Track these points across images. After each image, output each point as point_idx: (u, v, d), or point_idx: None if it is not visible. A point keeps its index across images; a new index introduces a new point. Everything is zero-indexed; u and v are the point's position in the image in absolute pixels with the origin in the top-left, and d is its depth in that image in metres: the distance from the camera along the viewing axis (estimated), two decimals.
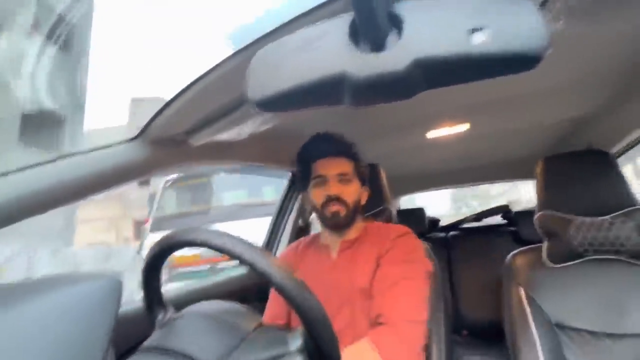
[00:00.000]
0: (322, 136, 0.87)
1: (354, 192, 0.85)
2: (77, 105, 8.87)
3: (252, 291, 1.14)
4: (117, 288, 0.30)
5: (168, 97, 0.63)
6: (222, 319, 0.44)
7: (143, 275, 0.47)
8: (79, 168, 0.63)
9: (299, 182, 0.93)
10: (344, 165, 0.85)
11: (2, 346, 0.24)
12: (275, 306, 0.90)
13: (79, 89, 9.00)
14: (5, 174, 0.55)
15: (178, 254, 0.51)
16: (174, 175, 3.88)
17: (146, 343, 0.40)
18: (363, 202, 0.91)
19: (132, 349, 0.39)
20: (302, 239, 1.02)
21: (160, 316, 0.45)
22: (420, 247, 0.85)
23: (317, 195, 0.86)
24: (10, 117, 6.99)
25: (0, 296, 0.29)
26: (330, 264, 0.88)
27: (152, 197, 4.44)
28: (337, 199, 0.83)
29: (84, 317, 0.27)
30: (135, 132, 0.71)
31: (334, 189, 0.83)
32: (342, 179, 0.84)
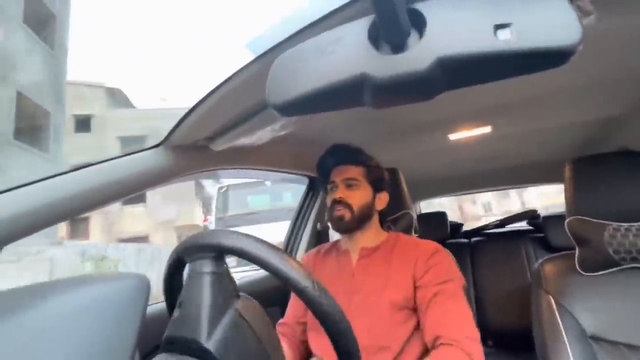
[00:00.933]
0: (334, 147, 0.94)
1: (360, 196, 0.88)
2: (59, 99, 8.91)
3: (275, 293, 1.14)
4: (145, 287, 0.31)
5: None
6: None
7: (165, 276, 0.48)
8: (107, 175, 0.65)
9: (324, 191, 1.00)
10: (351, 171, 0.90)
11: (32, 343, 0.25)
12: (295, 305, 0.94)
13: (60, 83, 9.00)
14: (36, 182, 0.58)
15: None
16: (227, 184, 5.22)
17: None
18: (380, 207, 0.93)
19: (157, 347, 0.40)
20: (323, 244, 1.04)
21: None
22: (453, 262, 0.87)
23: (328, 200, 0.92)
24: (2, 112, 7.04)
25: (30, 295, 0.30)
26: (351, 269, 0.89)
27: (206, 201, 6.30)
28: (341, 202, 0.87)
29: (112, 315, 0.28)
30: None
31: (340, 193, 0.88)
32: (349, 184, 0.89)
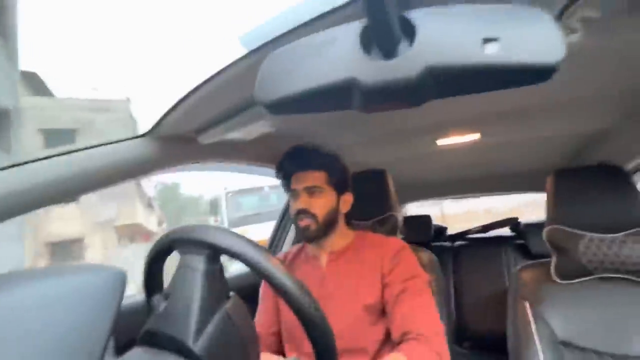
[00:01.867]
0: (294, 151, 0.88)
1: (324, 203, 0.85)
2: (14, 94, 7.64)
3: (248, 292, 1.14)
4: (121, 280, 0.31)
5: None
6: None
7: (148, 260, 0.47)
8: (89, 162, 0.64)
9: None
10: (312, 178, 0.85)
11: (4, 330, 0.24)
12: (266, 315, 0.91)
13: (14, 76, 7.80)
14: (17, 165, 0.57)
15: None
16: (234, 189, 6.38)
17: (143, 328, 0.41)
18: (345, 209, 0.91)
19: (133, 341, 0.40)
20: (290, 249, 1.02)
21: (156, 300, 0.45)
22: (415, 258, 0.88)
23: (292, 209, 0.88)
24: None
25: (5, 282, 0.29)
26: (320, 275, 0.88)
27: (213, 203, 6.96)
28: (306, 212, 0.83)
29: (86, 306, 0.28)
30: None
31: (302, 202, 0.84)
32: (311, 191, 0.85)
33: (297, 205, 0.85)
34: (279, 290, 0.39)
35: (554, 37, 0.23)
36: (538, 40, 0.23)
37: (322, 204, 0.85)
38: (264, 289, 0.96)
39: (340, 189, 0.89)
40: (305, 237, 0.86)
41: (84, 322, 0.27)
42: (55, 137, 10.42)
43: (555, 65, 0.23)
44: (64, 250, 10.81)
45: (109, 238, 11.79)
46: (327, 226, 0.86)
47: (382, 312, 0.82)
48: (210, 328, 0.38)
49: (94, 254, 11.09)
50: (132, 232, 13.13)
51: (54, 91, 12.38)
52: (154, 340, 0.39)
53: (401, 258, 0.84)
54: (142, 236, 13.51)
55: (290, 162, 0.88)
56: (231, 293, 0.43)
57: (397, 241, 0.89)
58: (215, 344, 0.37)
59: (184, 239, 0.43)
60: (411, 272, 0.82)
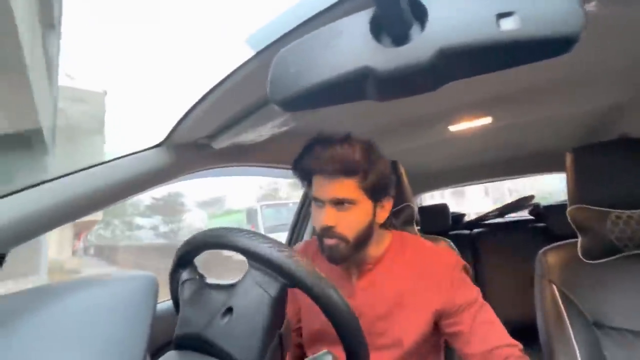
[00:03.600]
0: (314, 147, 0.69)
1: (356, 220, 0.68)
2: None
3: None
4: (153, 285, 0.32)
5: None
6: None
7: (174, 264, 0.49)
8: (108, 176, 0.66)
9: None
10: (342, 188, 0.67)
11: (48, 341, 0.25)
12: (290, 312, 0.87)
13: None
14: (41, 183, 0.59)
15: None
16: (267, 203, 8.60)
17: (179, 332, 0.41)
18: (381, 220, 0.74)
19: (166, 345, 0.41)
20: (310, 241, 0.87)
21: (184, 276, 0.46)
22: (466, 275, 0.77)
23: (315, 220, 0.72)
24: None
25: (44, 295, 0.30)
26: (350, 290, 0.74)
27: (249, 213, 8.77)
28: (331, 231, 0.67)
29: (125, 314, 0.29)
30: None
31: (329, 218, 0.67)
32: (341, 204, 0.68)
33: (321, 221, 0.68)
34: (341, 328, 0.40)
35: (572, 5, 0.22)
36: (554, 10, 0.22)
37: (353, 221, 0.68)
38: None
39: (377, 196, 0.71)
40: (331, 259, 0.69)
41: (124, 329, 0.28)
42: None
43: (576, 36, 0.22)
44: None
45: (65, 236, 11.23)
46: (359, 245, 0.70)
47: (429, 346, 0.74)
48: (269, 353, 0.38)
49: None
50: (88, 228, 13.27)
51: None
52: (205, 347, 0.38)
53: (461, 277, 0.74)
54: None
55: (310, 163, 0.69)
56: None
57: (448, 258, 0.75)
58: None
59: (262, 258, 0.41)
60: (472, 287, 0.74)
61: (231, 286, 0.43)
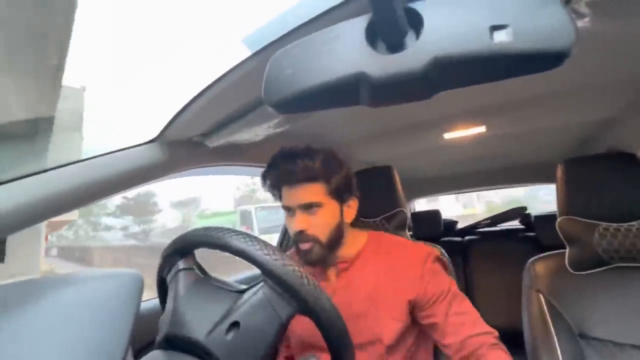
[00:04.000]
0: (279, 159, 0.73)
1: (325, 220, 0.73)
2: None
3: None
4: (138, 283, 0.31)
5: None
6: None
7: (170, 248, 0.48)
8: (100, 170, 0.65)
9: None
10: (308, 193, 0.72)
11: (28, 337, 0.25)
12: None
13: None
14: (30, 175, 0.58)
15: None
16: (261, 205, 8.35)
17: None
18: (351, 218, 0.79)
19: (149, 344, 0.40)
20: (292, 249, 0.89)
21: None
22: (441, 267, 0.79)
23: (289, 228, 0.76)
24: None
25: (28, 290, 0.30)
26: (330, 289, 0.78)
27: (243, 214, 8.77)
28: (304, 234, 0.73)
29: (107, 311, 0.28)
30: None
31: (300, 223, 0.72)
32: (309, 209, 0.72)
33: (294, 226, 0.73)
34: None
35: (564, 22, 0.22)
36: (547, 25, 0.23)
37: (323, 222, 0.73)
38: None
39: (342, 197, 0.76)
40: (307, 261, 0.74)
41: (106, 326, 0.28)
42: None
43: (567, 51, 0.22)
44: None
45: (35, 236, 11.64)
46: (332, 244, 0.75)
47: (406, 336, 0.74)
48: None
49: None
50: (62, 228, 13.17)
51: None
52: (201, 356, 0.37)
53: (434, 268, 0.75)
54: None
55: (277, 174, 0.74)
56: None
57: (420, 249, 0.78)
58: None
59: (280, 281, 0.40)
60: (446, 277, 0.76)
61: (239, 293, 0.41)
